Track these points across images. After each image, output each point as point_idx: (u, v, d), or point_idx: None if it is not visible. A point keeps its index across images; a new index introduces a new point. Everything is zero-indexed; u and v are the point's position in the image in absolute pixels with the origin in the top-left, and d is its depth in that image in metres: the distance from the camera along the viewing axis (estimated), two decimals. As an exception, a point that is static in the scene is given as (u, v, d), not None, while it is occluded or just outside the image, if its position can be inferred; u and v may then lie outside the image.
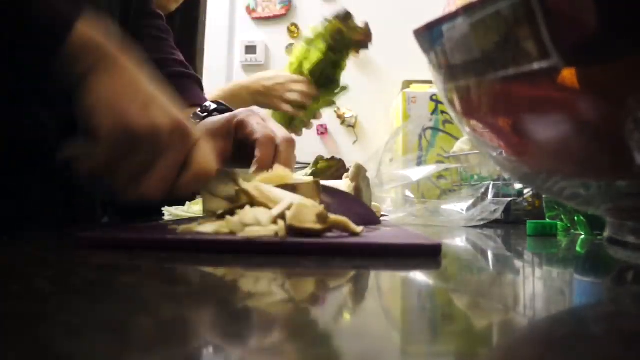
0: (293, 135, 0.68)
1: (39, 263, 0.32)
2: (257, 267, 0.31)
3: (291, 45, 2.23)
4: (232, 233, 0.38)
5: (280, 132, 0.60)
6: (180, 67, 0.79)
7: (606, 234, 0.35)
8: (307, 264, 0.32)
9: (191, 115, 0.67)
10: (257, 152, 0.58)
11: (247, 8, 2.26)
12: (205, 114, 0.68)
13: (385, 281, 0.29)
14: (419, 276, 0.31)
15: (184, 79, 0.78)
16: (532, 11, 0.25)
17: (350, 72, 2.26)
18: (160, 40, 0.81)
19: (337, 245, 0.35)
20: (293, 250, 0.35)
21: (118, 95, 0.42)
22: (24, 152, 0.57)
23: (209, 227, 0.39)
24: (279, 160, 0.57)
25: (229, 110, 0.69)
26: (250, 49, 2.24)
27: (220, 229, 0.38)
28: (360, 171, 0.59)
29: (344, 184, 0.60)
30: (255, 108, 0.65)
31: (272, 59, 2.25)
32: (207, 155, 0.46)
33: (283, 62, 2.24)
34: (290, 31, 2.23)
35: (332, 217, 0.38)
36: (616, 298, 0.27)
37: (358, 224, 0.39)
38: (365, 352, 0.16)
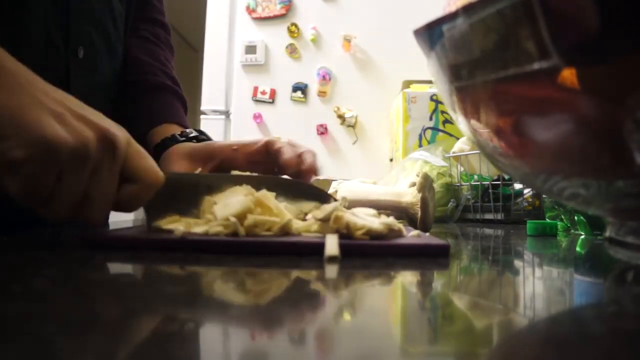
0: None
1: (39, 263, 0.32)
2: (257, 267, 0.31)
3: (291, 45, 2.23)
4: (233, 234, 0.38)
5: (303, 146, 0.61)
6: (168, 81, 0.74)
7: (606, 234, 0.35)
8: (309, 264, 0.32)
9: (169, 136, 0.66)
10: (283, 157, 0.59)
11: (247, 8, 2.26)
12: (184, 139, 0.66)
13: (390, 281, 0.29)
14: (427, 276, 0.31)
15: (168, 94, 0.73)
16: (532, 11, 0.25)
17: (351, 72, 2.26)
18: (156, 47, 0.77)
19: (345, 246, 0.35)
20: (293, 251, 0.35)
21: (24, 107, 0.35)
22: None
23: (207, 228, 0.39)
24: (305, 164, 0.58)
25: (209, 139, 0.67)
26: (250, 49, 2.24)
27: (218, 230, 0.38)
28: (427, 182, 0.58)
29: (410, 194, 0.59)
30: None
31: (272, 59, 2.25)
32: (149, 164, 0.40)
33: (283, 62, 2.25)
34: (290, 31, 2.23)
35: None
36: (616, 298, 0.27)
37: None
38: (369, 351, 0.16)
